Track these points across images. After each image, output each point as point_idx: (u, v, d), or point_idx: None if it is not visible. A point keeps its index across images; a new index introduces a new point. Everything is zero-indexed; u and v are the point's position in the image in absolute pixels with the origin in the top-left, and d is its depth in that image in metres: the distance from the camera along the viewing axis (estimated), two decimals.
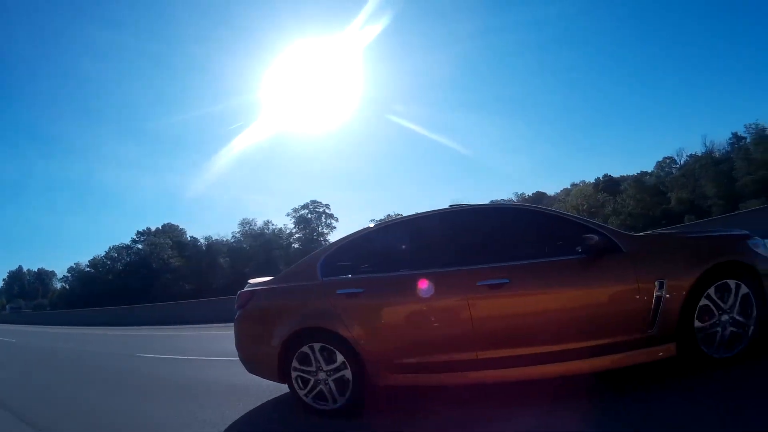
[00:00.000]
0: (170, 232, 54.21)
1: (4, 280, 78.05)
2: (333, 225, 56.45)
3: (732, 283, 2.94)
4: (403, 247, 3.69)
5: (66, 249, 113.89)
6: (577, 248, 2.99)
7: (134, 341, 11.91)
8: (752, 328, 2.94)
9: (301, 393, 3.37)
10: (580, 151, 76.12)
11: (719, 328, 2.92)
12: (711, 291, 2.91)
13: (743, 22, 56.71)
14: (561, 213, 3.67)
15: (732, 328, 2.93)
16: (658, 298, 2.85)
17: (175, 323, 16.33)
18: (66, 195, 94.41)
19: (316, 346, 3.33)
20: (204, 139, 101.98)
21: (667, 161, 50.47)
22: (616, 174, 52.49)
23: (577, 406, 2.78)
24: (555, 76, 76.39)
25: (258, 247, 49.69)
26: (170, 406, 4.29)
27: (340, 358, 3.26)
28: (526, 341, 2.99)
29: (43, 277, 75.65)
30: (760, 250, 3.16)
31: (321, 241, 50.07)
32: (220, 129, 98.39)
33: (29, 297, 72.37)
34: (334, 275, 3.52)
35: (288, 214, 55.97)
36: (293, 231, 55.96)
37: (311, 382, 3.34)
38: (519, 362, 2.98)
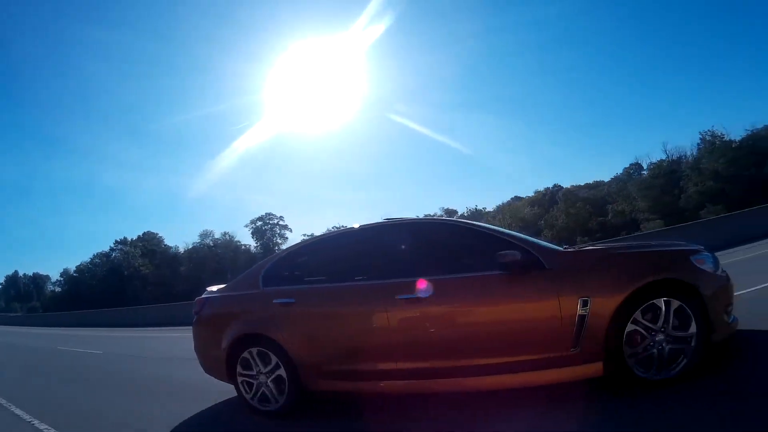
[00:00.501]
0: (148, 240, 57.81)
1: (1, 284, 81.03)
2: (286, 236, 59.76)
3: (665, 301, 2.78)
4: (334, 259, 3.71)
5: (69, 251, 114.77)
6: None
7: (98, 341, 13.39)
8: (693, 346, 2.76)
9: (248, 397, 3.55)
10: (583, 151, 76.19)
11: (655, 349, 2.77)
12: (642, 309, 2.76)
13: (743, 22, 56.69)
14: (486, 228, 3.51)
15: (670, 347, 2.77)
16: (582, 316, 2.74)
17: (139, 325, 18.04)
18: (67, 197, 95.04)
19: (254, 350, 3.49)
20: (206, 139, 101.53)
21: (633, 167, 49.14)
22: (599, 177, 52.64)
23: (573, 408, 2.72)
24: (556, 76, 76.78)
25: (215, 256, 53.24)
26: (125, 402, 4.70)
27: (275, 359, 3.42)
28: (443, 354, 3.01)
29: (37, 281, 79.37)
30: (706, 267, 3.00)
31: (276, 251, 53.18)
32: (222, 129, 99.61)
33: (25, 300, 76.10)
34: (274, 285, 3.68)
35: (246, 226, 60.24)
36: (250, 244, 59.77)
37: (254, 385, 3.51)
38: (438, 374, 3.01)
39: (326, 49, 69.06)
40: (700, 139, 40.94)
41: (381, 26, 54.19)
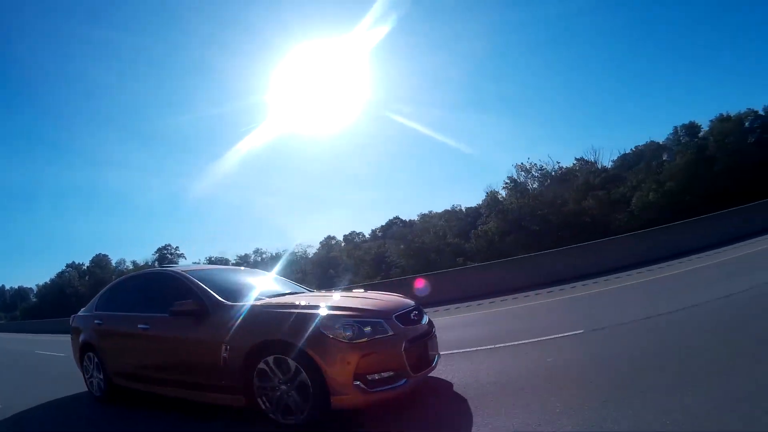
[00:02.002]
0: (97, 261, 69.74)
1: None
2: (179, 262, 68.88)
3: (281, 358, 3.27)
4: (124, 294, 5.17)
5: (70, 254, 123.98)
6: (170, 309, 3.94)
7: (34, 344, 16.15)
8: (310, 404, 3.16)
9: (86, 384, 5.20)
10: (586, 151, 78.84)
11: (279, 395, 3.30)
12: (269, 360, 3.31)
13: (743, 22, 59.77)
14: (186, 278, 4.31)
15: (291, 400, 3.24)
16: (224, 358, 3.56)
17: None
18: (68, 202, 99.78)
19: (88, 354, 5.11)
20: (209, 142, 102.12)
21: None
22: None
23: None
24: (560, 75, 78.88)
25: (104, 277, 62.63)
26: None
27: (95, 362, 4.97)
28: (167, 371, 4.16)
29: (21, 293, 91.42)
30: (336, 333, 3.22)
31: None
32: (225, 131, 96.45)
33: (10, 310, 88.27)
34: (99, 309, 5.21)
35: (153, 253, 69.40)
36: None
37: (89, 378, 5.15)
38: (172, 384, 4.09)
39: (330, 51, 68.39)
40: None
41: (385, 28, 53.63)
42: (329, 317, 3.34)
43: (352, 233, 64.08)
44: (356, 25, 68.41)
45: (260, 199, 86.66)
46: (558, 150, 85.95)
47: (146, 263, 68.33)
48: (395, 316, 3.58)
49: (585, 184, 41.64)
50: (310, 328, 3.26)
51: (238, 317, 3.67)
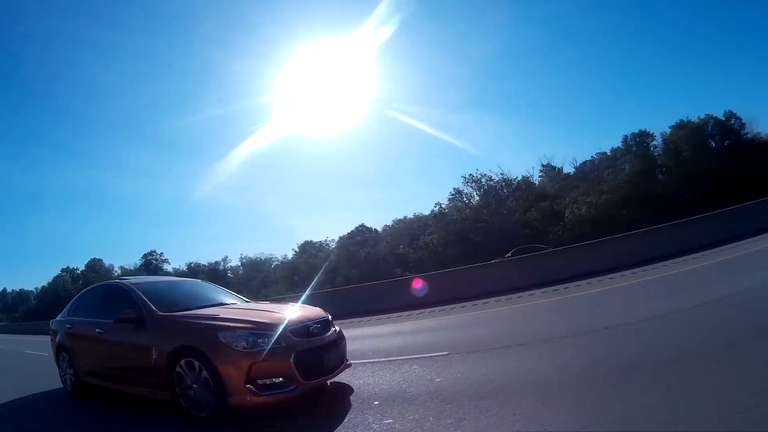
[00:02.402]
0: (91, 266, 72.62)
1: None
2: (165, 267, 72.35)
3: (191, 362, 3.93)
4: (90, 302, 5.87)
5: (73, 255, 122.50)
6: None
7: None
8: (213, 401, 3.80)
9: (60, 379, 5.94)
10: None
11: (192, 392, 3.93)
12: (182, 363, 3.98)
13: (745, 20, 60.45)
14: (134, 291, 4.99)
15: (200, 396, 3.87)
16: (154, 359, 4.22)
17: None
18: (76, 203, 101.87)
19: (61, 354, 5.83)
20: (214, 142, 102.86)
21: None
22: None
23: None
24: (565, 74, 79.07)
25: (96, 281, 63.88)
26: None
27: (67, 360, 5.71)
28: (115, 368, 4.89)
29: (22, 296, 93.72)
30: (232, 342, 3.86)
31: None
32: (230, 133, 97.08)
33: (11, 312, 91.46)
34: (71, 315, 5.92)
35: (140, 258, 72.40)
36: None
37: (62, 374, 5.92)
38: (119, 380, 4.87)
39: (335, 51, 68.86)
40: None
41: (390, 27, 54.33)
42: (229, 329, 3.94)
43: (307, 242, 64.67)
44: (361, 25, 71.90)
45: (264, 200, 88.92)
46: (560, 150, 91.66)
47: (134, 268, 70.88)
48: (290, 330, 4.08)
49: (527, 195, 42.14)
50: (213, 338, 3.87)
51: (165, 325, 4.37)
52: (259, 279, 66.02)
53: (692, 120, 39.39)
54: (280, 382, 3.79)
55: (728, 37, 64.23)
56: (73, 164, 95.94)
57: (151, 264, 71.95)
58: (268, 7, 79.01)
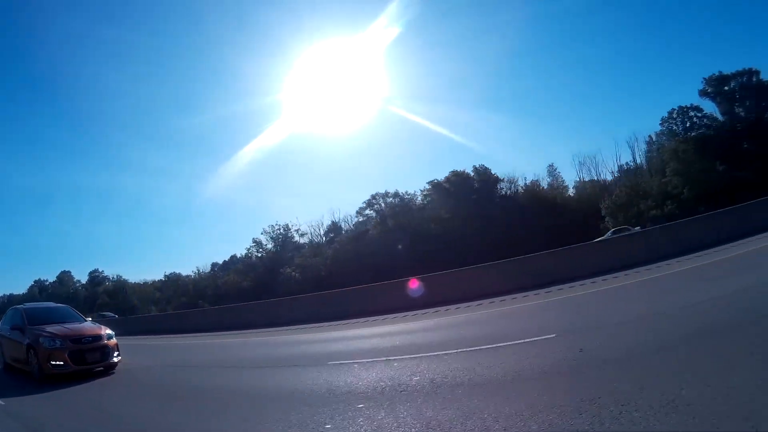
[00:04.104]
0: (62, 277, 79.67)
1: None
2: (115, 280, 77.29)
3: (32, 350, 8.26)
4: (11, 315, 9.85)
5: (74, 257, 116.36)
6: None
7: None
8: (37, 369, 8.13)
9: (0, 365, 10.35)
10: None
11: (31, 366, 8.39)
12: (30, 351, 8.38)
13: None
14: (22, 313, 9.44)
15: (34, 369, 8.22)
16: (25, 350, 8.39)
17: None
18: (81, 205, 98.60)
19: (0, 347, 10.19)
20: (223, 141, 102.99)
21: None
22: None
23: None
24: (573, 73, 77.85)
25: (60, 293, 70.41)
26: None
27: (2, 351, 10.12)
28: (13, 356, 9.52)
29: (11, 301, 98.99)
30: (44, 341, 8.03)
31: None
32: (240, 132, 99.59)
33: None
34: (3, 324, 9.94)
35: (87, 275, 78.54)
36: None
37: (3, 359, 10.13)
38: (16, 361, 9.25)
39: (344, 50, 71.55)
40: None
41: (400, 26, 56.62)
42: (43, 336, 8.08)
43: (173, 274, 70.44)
44: (371, 24, 72.88)
45: (275, 199, 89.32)
46: (566, 150, 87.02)
47: (82, 285, 77.98)
48: (70, 338, 8.14)
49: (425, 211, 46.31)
50: (37, 340, 8.12)
51: (27, 332, 8.48)
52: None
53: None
54: (63, 365, 7.91)
55: (753, 33, 61.96)
56: (80, 165, 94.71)
57: (94, 280, 78.84)
58: (277, 7, 77.07)
